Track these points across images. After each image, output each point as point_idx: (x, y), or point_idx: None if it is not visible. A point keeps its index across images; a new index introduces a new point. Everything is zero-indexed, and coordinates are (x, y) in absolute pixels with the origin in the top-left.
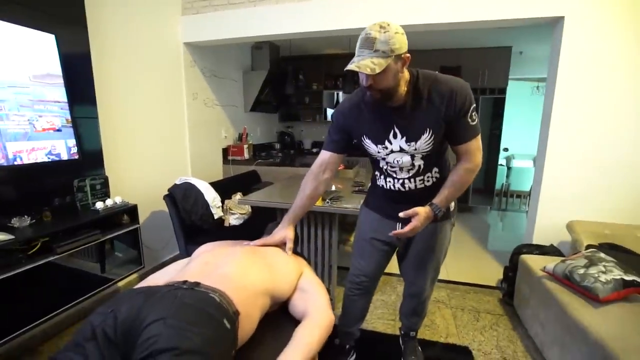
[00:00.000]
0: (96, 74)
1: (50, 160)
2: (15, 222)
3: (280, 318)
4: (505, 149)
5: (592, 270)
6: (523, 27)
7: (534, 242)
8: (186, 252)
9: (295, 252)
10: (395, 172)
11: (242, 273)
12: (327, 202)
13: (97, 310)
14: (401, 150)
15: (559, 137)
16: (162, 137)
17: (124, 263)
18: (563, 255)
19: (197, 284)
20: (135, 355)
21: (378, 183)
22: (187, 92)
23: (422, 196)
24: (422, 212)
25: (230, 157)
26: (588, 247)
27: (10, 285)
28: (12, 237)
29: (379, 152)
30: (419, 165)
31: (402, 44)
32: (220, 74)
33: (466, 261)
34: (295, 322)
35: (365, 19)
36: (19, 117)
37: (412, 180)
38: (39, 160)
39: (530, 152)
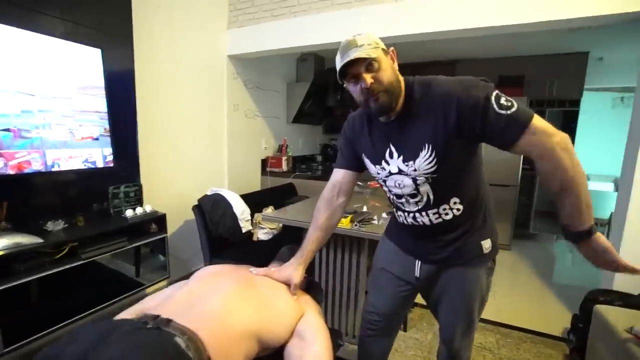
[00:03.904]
0: (139, 84)
1: (86, 167)
2: (50, 225)
3: None
4: None
5: None
6: (605, 27)
7: (615, 287)
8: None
9: (309, 280)
10: (402, 204)
11: (227, 310)
12: (356, 225)
13: (44, 349)
14: (400, 171)
15: None
16: (201, 147)
17: (153, 270)
18: None
19: (168, 322)
20: None
21: (394, 214)
22: (228, 103)
23: (446, 230)
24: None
25: (268, 169)
26: None
27: (44, 285)
28: (40, 241)
29: (378, 174)
30: (427, 194)
31: (380, 42)
32: (263, 85)
33: (523, 300)
34: None
35: (413, 25)
36: (61, 127)
37: (423, 213)
38: (75, 168)
39: (610, 172)
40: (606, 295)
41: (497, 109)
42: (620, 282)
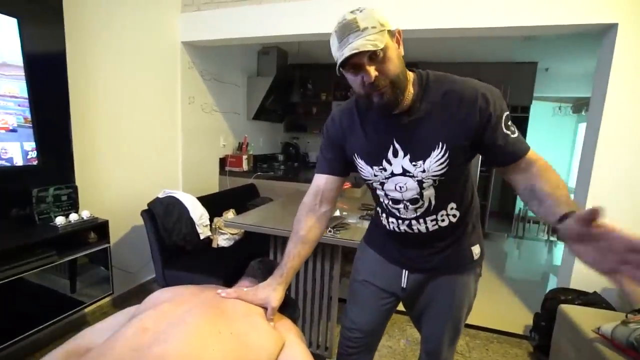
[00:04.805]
0: (73, 68)
1: None
2: None
3: None
4: None
5: None
6: (554, 40)
7: (572, 286)
8: (163, 279)
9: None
10: (398, 210)
11: (192, 353)
12: (330, 232)
13: None
14: (404, 172)
15: (607, 165)
16: (150, 144)
17: (93, 285)
18: (612, 307)
19: None
20: None
21: (381, 220)
22: (182, 96)
23: (440, 237)
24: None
25: (227, 168)
26: None
27: None
28: None
29: (376, 176)
30: (429, 199)
31: (385, 19)
32: (222, 78)
33: (486, 299)
34: None
35: (391, 19)
36: None
37: (420, 220)
38: None
39: None
40: (566, 294)
41: (506, 130)
42: (575, 281)
